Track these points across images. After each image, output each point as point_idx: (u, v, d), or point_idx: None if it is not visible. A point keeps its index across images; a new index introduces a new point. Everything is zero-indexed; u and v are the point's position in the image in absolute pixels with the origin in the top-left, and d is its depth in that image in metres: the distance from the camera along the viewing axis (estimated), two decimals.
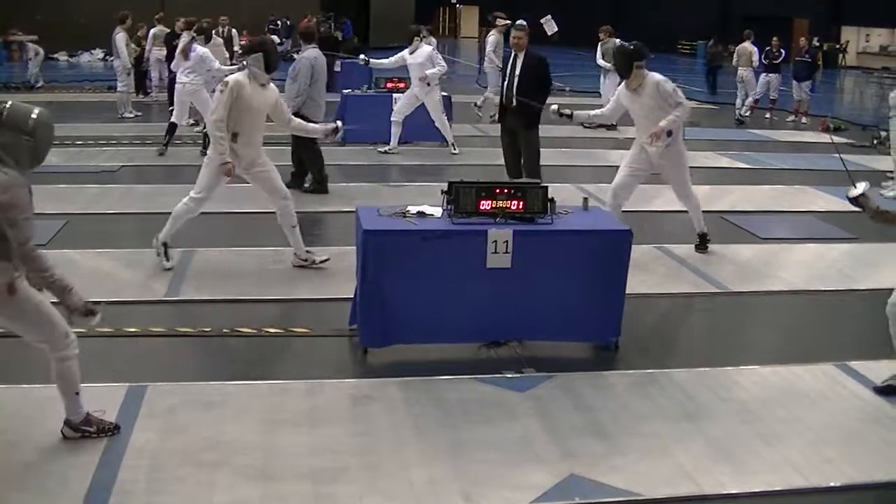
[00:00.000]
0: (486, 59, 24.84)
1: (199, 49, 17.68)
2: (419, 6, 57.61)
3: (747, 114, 26.32)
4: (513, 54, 14.01)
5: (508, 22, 22.79)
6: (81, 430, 6.64)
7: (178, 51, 18.26)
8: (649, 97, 10.90)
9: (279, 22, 44.42)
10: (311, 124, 11.57)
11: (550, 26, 23.46)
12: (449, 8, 77.00)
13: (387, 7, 52.73)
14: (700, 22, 55.16)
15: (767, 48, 26.44)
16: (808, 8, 51.93)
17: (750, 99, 26.43)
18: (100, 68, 38.08)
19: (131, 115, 22.95)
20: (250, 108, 10.06)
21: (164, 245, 10.58)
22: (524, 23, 14.66)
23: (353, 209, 8.83)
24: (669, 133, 10.86)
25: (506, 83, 13.89)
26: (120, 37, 22.73)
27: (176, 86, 18.17)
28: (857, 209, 7.59)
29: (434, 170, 16.93)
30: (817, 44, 30.50)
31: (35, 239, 6.09)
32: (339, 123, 11.04)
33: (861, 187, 7.46)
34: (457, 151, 18.51)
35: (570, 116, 11.73)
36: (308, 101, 14.33)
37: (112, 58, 24.93)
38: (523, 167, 14.12)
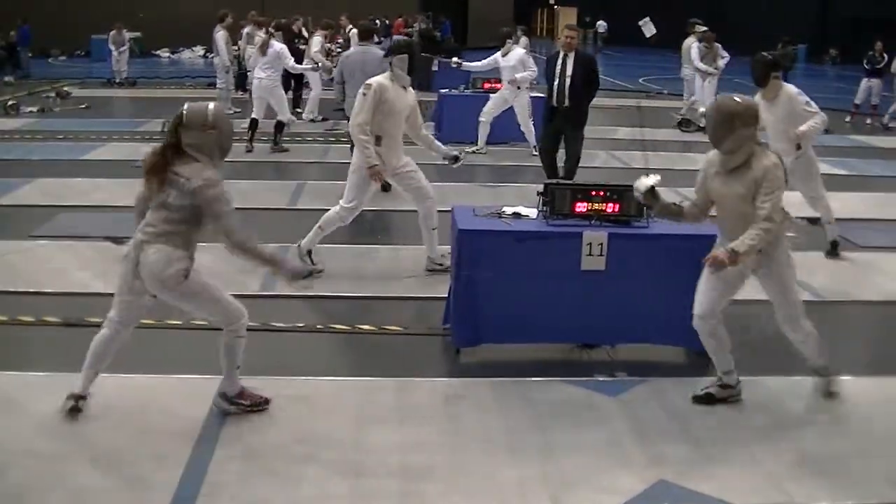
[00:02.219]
0: (686, 66, 24.09)
1: (277, 45, 17.98)
2: (518, 7, 57.65)
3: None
4: (561, 54, 14.05)
5: (706, 28, 23.02)
6: (237, 402, 6.95)
7: (255, 47, 18.56)
8: (783, 108, 10.69)
9: (377, 21, 44.66)
10: (438, 143, 11.37)
11: (649, 28, 23.36)
12: (547, 9, 76.89)
13: (485, 8, 52.83)
14: (801, 24, 54.41)
15: (870, 53, 26.02)
16: None
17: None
18: (200, 65, 38.58)
19: (230, 112, 23.21)
20: (393, 111, 10.07)
21: (309, 252, 10.53)
22: (574, 24, 14.78)
23: (449, 209, 8.85)
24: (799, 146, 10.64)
25: (556, 83, 13.93)
26: (220, 35, 23.07)
27: (253, 81, 18.47)
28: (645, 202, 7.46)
29: (513, 171, 17.13)
30: None
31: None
32: (460, 154, 10.91)
33: (652, 179, 7.34)
34: (536, 154, 18.43)
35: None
36: (347, 99, 14.41)
37: (212, 55, 25.29)
38: (562, 168, 14.25)
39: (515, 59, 18.03)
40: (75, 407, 6.72)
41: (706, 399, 7.48)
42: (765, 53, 11.28)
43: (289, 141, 18.82)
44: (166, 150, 6.49)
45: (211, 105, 6.62)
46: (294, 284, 6.89)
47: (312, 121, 21.81)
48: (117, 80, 30.38)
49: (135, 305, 6.74)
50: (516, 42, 18.87)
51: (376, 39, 16.04)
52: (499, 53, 18.39)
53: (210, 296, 6.69)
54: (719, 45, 22.68)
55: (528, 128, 18.39)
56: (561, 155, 14.64)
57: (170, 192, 6.43)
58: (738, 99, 7.03)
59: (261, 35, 19.82)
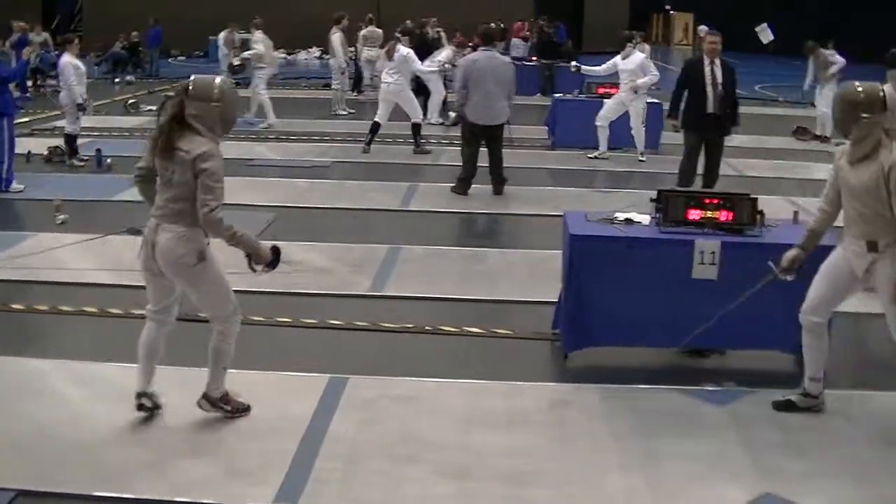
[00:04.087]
0: None
1: (403, 49, 18.04)
2: (633, 12, 57.21)
3: None
4: (708, 61, 13.80)
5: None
6: (219, 406, 6.87)
7: (383, 51, 18.65)
8: None
9: (493, 25, 44.67)
10: None
11: (766, 35, 23.07)
12: (662, 15, 76.26)
13: (601, 12, 52.52)
14: None
15: None
16: None
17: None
18: (316, 66, 38.97)
19: (344, 113, 23.47)
20: None
21: None
22: (716, 30, 14.60)
23: (561, 213, 8.84)
24: None
25: (709, 90, 13.67)
26: (336, 37, 23.33)
27: (381, 85, 18.54)
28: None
29: (625, 176, 17.12)
30: None
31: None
32: None
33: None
34: (644, 159, 18.29)
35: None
36: (469, 103, 14.43)
37: (328, 56, 25.54)
38: (705, 176, 14.04)
39: (635, 63, 17.87)
40: (141, 405, 6.78)
41: (786, 406, 7.37)
42: None
43: (424, 143, 18.83)
44: (171, 123, 6.47)
45: (218, 79, 6.65)
46: (260, 271, 6.70)
47: (442, 124, 21.74)
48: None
49: (163, 290, 6.75)
50: (637, 47, 18.69)
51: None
52: (618, 57, 18.26)
53: (217, 286, 6.68)
54: (828, 52, 22.29)
55: (640, 134, 18.26)
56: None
57: (173, 168, 6.42)
58: (859, 87, 6.88)
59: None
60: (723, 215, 8.07)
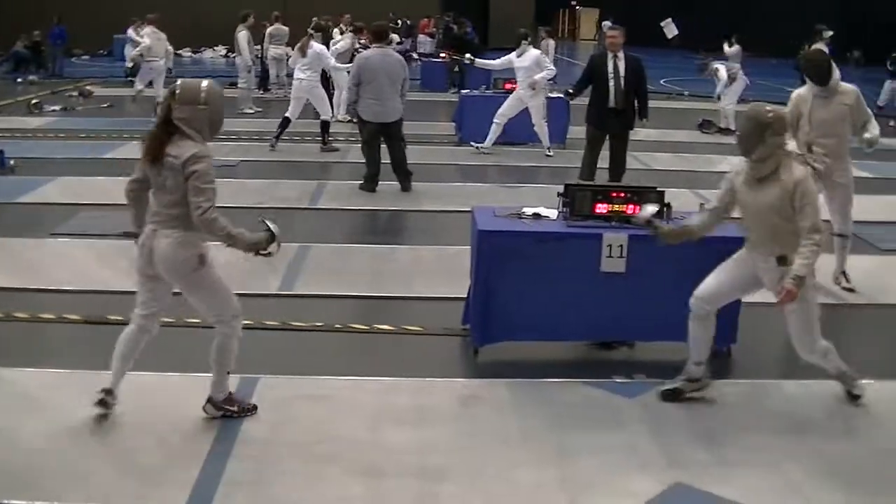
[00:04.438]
0: None
1: (317, 46, 18.02)
2: (539, 8, 57.52)
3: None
4: (611, 56, 13.90)
5: (832, 33, 23.96)
6: (224, 408, 6.91)
7: (296, 47, 18.59)
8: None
9: (399, 21, 44.70)
10: None
11: (670, 29, 23.32)
12: (569, 10, 76.79)
13: (506, 8, 52.75)
14: (829, 26, 54.04)
15: (894, 55, 25.94)
16: None
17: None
18: (222, 65, 38.68)
19: (251, 111, 23.31)
20: None
21: None
22: (616, 24, 14.78)
23: (469, 209, 8.85)
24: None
25: (611, 84, 13.77)
26: (242, 34, 23.22)
27: (293, 81, 18.50)
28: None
29: (530, 171, 17.19)
30: None
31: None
32: None
33: (649, 210, 7.49)
34: (551, 154, 18.40)
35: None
36: (361, 101, 14.41)
37: (234, 55, 25.37)
38: (610, 170, 14.19)
39: (531, 59, 17.97)
40: (103, 400, 6.72)
41: (672, 395, 7.49)
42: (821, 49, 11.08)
43: (332, 140, 18.76)
44: (161, 128, 6.50)
45: (204, 82, 6.61)
46: (253, 254, 6.75)
47: (350, 121, 21.57)
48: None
49: (155, 295, 6.78)
50: (532, 43, 18.82)
51: (398, 40, 16.09)
52: (514, 54, 18.39)
53: (217, 289, 6.74)
54: (732, 50, 22.88)
55: (543, 129, 18.37)
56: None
57: (165, 174, 6.42)
58: (769, 109, 7.02)
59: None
60: (630, 209, 8.13)
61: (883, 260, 12.08)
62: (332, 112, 19.91)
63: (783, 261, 6.98)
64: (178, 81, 6.65)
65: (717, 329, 7.87)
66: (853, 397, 7.53)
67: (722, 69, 22.21)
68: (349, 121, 20.95)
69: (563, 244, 8.04)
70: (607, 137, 14.11)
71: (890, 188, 16.98)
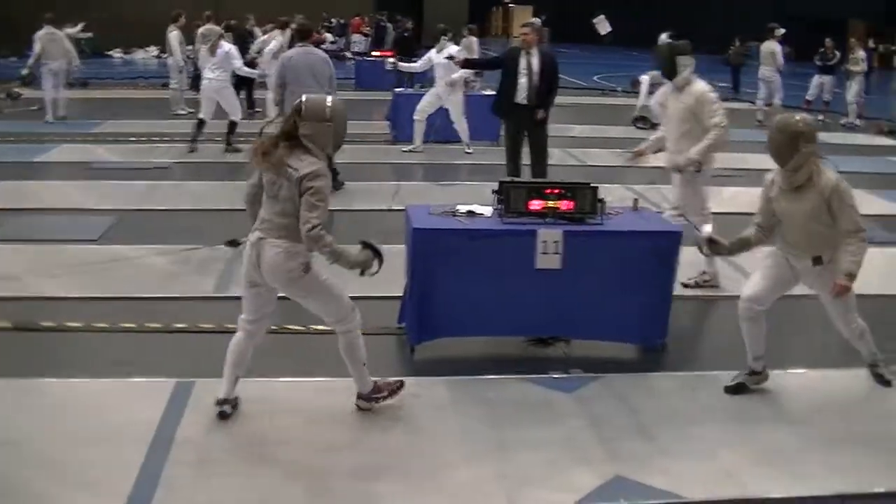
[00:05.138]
0: (765, 66, 25.32)
1: (226, 46, 17.92)
2: (473, 6, 57.63)
3: (759, 116, 25.53)
4: (524, 52, 13.86)
5: (784, 31, 24.89)
6: (373, 398, 7.16)
7: (206, 48, 18.49)
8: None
9: (333, 21, 44.62)
10: None
11: (603, 26, 23.39)
12: (502, 8, 77.01)
13: (440, 6, 52.78)
14: (758, 23, 54.66)
15: (821, 50, 26.26)
16: (863, 9, 51.49)
17: (776, 99, 25.61)
18: (153, 66, 38.38)
19: (184, 112, 23.12)
20: None
21: None
22: (536, 21, 14.73)
23: (404, 208, 8.84)
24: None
25: (521, 80, 13.74)
26: (173, 35, 23.04)
27: (202, 82, 18.37)
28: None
29: (448, 169, 17.22)
30: (872, 45, 30.23)
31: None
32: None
33: (707, 228, 7.73)
34: (470, 151, 18.45)
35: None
36: (286, 102, 14.26)
37: (165, 55, 25.17)
38: (532, 167, 14.18)
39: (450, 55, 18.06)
40: (223, 412, 6.90)
41: (737, 389, 7.70)
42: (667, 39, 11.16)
43: (243, 141, 18.66)
44: (280, 140, 6.64)
45: (329, 99, 6.80)
46: (371, 273, 6.93)
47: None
48: (68, 81, 30.04)
49: (261, 301, 6.94)
50: (454, 40, 18.91)
51: (332, 39, 16.02)
52: (433, 51, 18.46)
53: (328, 291, 6.89)
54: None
55: (463, 126, 18.44)
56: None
57: (281, 183, 6.58)
58: (798, 118, 7.34)
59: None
60: (564, 205, 8.16)
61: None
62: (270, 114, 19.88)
63: (818, 261, 7.30)
64: (304, 98, 6.74)
65: (649, 325, 7.98)
66: (885, 382, 7.91)
67: (646, 79, 22.26)
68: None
69: (497, 241, 8.05)
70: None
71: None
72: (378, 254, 6.82)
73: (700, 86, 10.01)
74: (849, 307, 7.49)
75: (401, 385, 7.27)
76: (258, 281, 6.77)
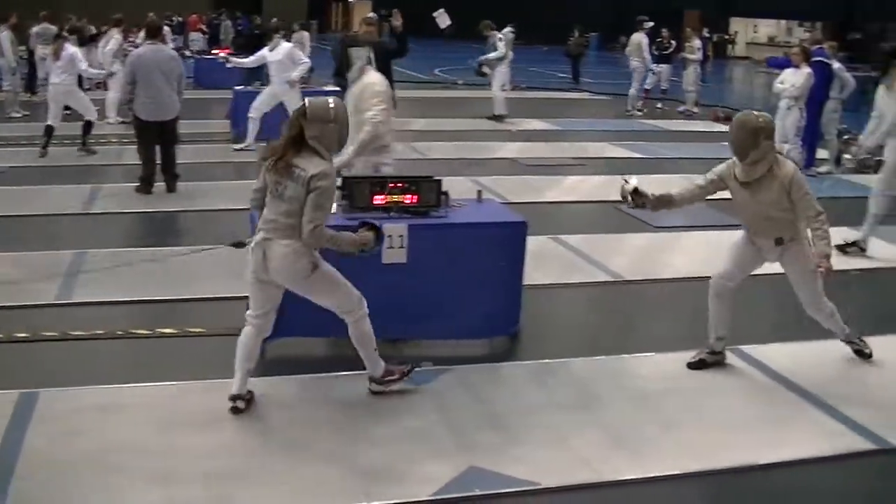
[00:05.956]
0: (634, 59, 26.32)
1: (71, 49, 17.60)
2: (312, 2, 57.44)
3: (638, 105, 26.40)
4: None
5: (653, 24, 26.30)
6: (386, 381, 7.42)
7: (49, 51, 18.13)
8: None
9: (174, 19, 44.05)
10: None
11: (443, 19, 23.48)
12: (342, 3, 76.86)
13: (279, 2, 52.50)
14: (597, 14, 55.77)
15: (658, 40, 26.84)
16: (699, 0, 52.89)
17: (633, 90, 26.36)
18: None
19: (18, 115, 22.54)
20: None
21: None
22: (375, 15, 14.91)
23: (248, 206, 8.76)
24: None
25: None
26: (4, 35, 22.44)
27: (49, 86, 17.98)
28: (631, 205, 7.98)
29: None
30: (707, 35, 31.03)
31: None
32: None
33: (634, 180, 7.92)
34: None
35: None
36: (137, 100, 14.21)
37: None
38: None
39: (283, 53, 18.11)
40: (236, 407, 7.04)
41: (698, 365, 8.05)
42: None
43: (94, 143, 18.26)
44: (289, 142, 6.77)
45: (331, 100, 6.95)
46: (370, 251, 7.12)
47: (122, 122, 20.90)
48: None
49: (267, 296, 7.09)
50: (284, 37, 18.92)
51: (172, 36, 15.86)
52: (266, 48, 18.43)
53: (336, 285, 7.06)
54: (497, 34, 23.75)
55: None
56: None
57: (287, 183, 6.73)
58: (758, 115, 7.65)
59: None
60: (408, 198, 8.18)
61: (654, 237, 12.48)
62: (110, 116, 19.59)
63: (780, 241, 7.78)
64: (306, 101, 6.90)
65: (498, 316, 8.04)
66: (864, 356, 8.36)
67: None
68: (121, 122, 20.51)
69: None
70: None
71: (660, 168, 17.55)
72: (378, 232, 7.03)
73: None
74: (818, 290, 7.91)
75: (411, 369, 7.51)
76: (264, 278, 6.94)
